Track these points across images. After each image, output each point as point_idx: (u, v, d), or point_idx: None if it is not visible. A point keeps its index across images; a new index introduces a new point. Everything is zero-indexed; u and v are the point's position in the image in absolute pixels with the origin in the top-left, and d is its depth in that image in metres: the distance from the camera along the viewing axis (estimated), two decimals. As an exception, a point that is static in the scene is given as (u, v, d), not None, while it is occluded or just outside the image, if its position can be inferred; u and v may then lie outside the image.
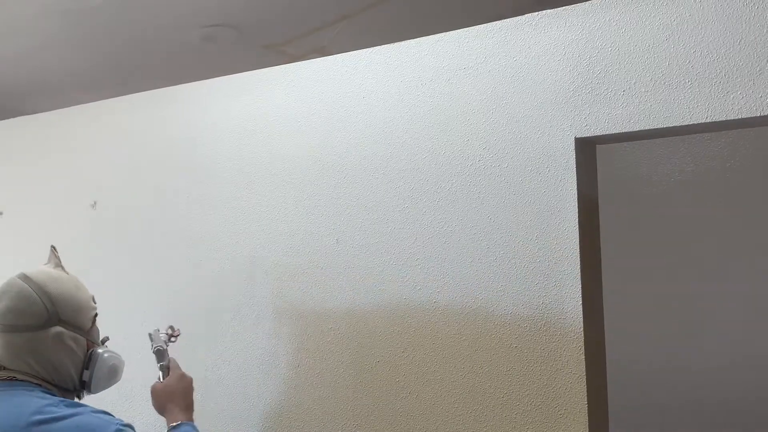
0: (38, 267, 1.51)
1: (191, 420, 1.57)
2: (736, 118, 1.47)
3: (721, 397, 2.67)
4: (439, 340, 1.75)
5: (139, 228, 2.34)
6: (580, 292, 1.59)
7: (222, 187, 2.16)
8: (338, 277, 1.92)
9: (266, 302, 2.04)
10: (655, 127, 1.54)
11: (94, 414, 1.30)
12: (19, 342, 1.37)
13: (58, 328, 1.40)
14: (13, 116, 2.78)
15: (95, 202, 2.44)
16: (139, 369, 2.02)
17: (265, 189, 2.07)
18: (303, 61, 2.06)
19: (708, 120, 1.50)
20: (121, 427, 1.28)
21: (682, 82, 1.52)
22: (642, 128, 1.56)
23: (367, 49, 1.94)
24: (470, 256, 1.73)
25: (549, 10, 1.68)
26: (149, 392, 1.65)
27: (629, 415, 2.63)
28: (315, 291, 1.96)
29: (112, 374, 1.51)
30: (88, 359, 1.46)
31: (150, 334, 1.79)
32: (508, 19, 1.73)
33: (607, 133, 1.59)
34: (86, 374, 1.45)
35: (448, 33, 1.82)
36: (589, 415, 1.57)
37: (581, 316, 1.58)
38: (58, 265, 1.54)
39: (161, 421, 2.21)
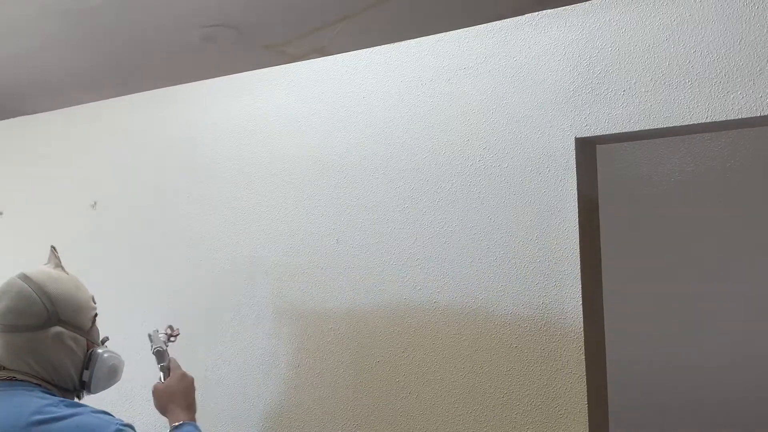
0: (38, 267, 1.51)
1: (193, 420, 1.57)
2: (737, 118, 1.47)
3: (721, 397, 2.67)
4: (439, 340, 1.75)
5: (139, 228, 2.34)
6: (580, 292, 1.59)
7: (222, 187, 2.16)
8: (338, 277, 1.92)
9: (266, 302, 2.04)
10: (656, 127, 1.54)
11: (93, 414, 1.30)
12: (19, 342, 1.37)
13: (58, 328, 1.40)
14: (13, 116, 2.78)
15: (95, 202, 2.44)
16: (139, 369, 2.02)
17: (265, 189, 2.07)
18: (303, 61, 2.06)
19: (708, 120, 1.50)
20: (121, 427, 1.28)
21: (682, 82, 1.52)
22: (642, 128, 1.56)
23: (367, 49, 1.94)
24: (470, 256, 1.73)
25: (549, 10, 1.68)
26: (150, 392, 1.65)
27: (629, 415, 2.63)
28: (315, 291, 1.95)
29: (112, 374, 1.51)
30: (88, 359, 1.46)
31: (149, 335, 1.79)
32: (508, 19, 1.73)
33: (608, 133, 1.59)
34: (86, 374, 1.45)
35: (448, 33, 1.82)
36: (589, 415, 1.57)
37: (581, 316, 1.58)
38: (58, 265, 1.54)
39: (161, 421, 2.21)
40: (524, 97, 1.69)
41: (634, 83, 1.57)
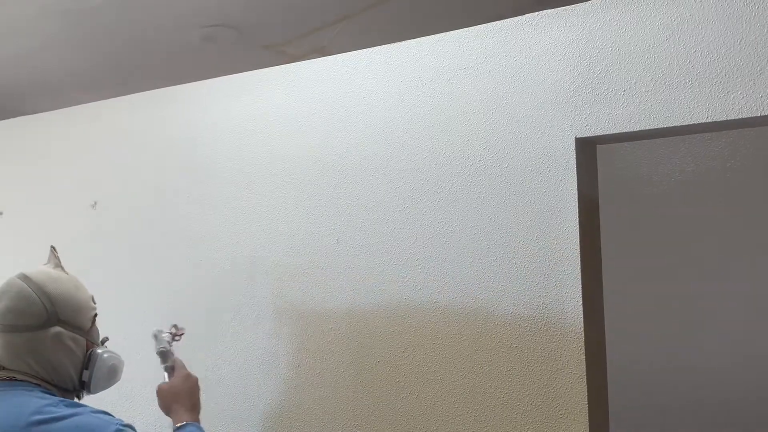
0: (38, 267, 1.51)
1: (197, 420, 1.56)
2: (737, 117, 1.47)
3: (721, 397, 2.67)
4: (439, 340, 1.75)
5: (139, 228, 2.33)
6: (580, 292, 1.59)
7: (222, 187, 2.16)
8: (339, 277, 1.92)
9: (266, 302, 2.04)
10: (656, 127, 1.54)
11: (93, 414, 1.30)
12: (18, 342, 1.37)
13: (58, 328, 1.39)
14: (13, 116, 2.78)
15: (95, 202, 2.44)
16: (139, 369, 2.02)
17: (265, 189, 2.07)
18: (303, 61, 2.06)
19: (708, 120, 1.50)
20: (121, 428, 1.28)
21: (683, 82, 1.52)
22: (642, 128, 1.56)
23: (367, 49, 1.93)
24: (470, 256, 1.72)
25: (549, 10, 1.68)
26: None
27: (629, 415, 2.63)
28: (315, 291, 1.95)
29: (112, 374, 1.51)
30: (88, 359, 1.46)
31: (154, 335, 1.78)
32: (508, 19, 1.73)
33: (608, 133, 1.59)
34: (86, 374, 1.45)
35: (448, 33, 1.81)
36: (589, 415, 1.56)
37: (581, 316, 1.58)
38: (58, 265, 1.54)
39: (161, 421, 2.21)
40: (524, 97, 1.69)
41: (635, 83, 1.57)
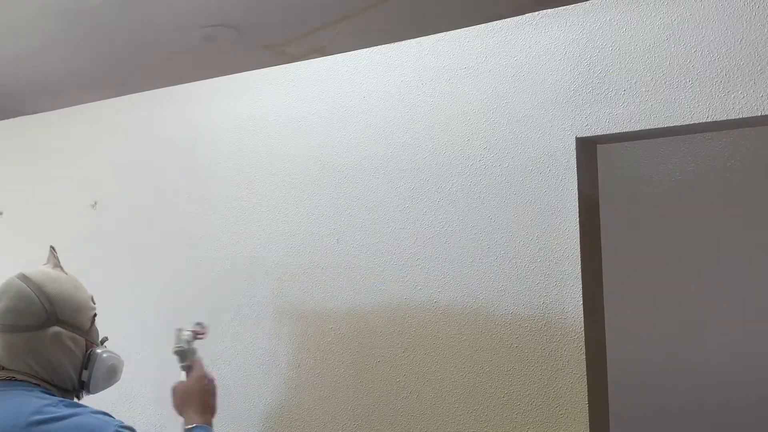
0: (37, 267, 1.50)
1: (208, 423, 1.54)
2: (737, 117, 1.47)
3: (721, 396, 2.67)
4: (439, 340, 1.75)
5: (139, 228, 2.33)
6: (580, 292, 1.58)
7: (222, 187, 2.16)
8: (339, 277, 1.92)
9: (266, 302, 2.03)
10: (656, 126, 1.54)
11: (93, 414, 1.29)
12: (18, 342, 1.37)
13: (57, 328, 1.39)
14: (13, 116, 2.78)
15: (95, 202, 2.44)
16: (139, 369, 2.02)
17: (265, 189, 2.07)
18: (303, 61, 2.06)
19: (709, 119, 1.49)
20: (120, 429, 1.27)
21: (683, 81, 1.52)
22: (643, 128, 1.56)
23: (367, 49, 1.93)
24: (471, 256, 1.72)
25: (549, 10, 1.68)
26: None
27: (629, 415, 2.63)
28: (315, 291, 1.95)
29: (111, 374, 1.51)
30: (87, 359, 1.45)
31: (175, 333, 1.74)
32: (508, 19, 1.73)
33: (608, 132, 1.59)
34: (85, 374, 1.45)
35: (448, 33, 1.81)
36: (589, 415, 1.56)
37: (582, 315, 1.58)
38: (57, 265, 1.54)
39: (162, 421, 2.21)
40: (525, 96, 1.69)
41: (635, 83, 1.57)
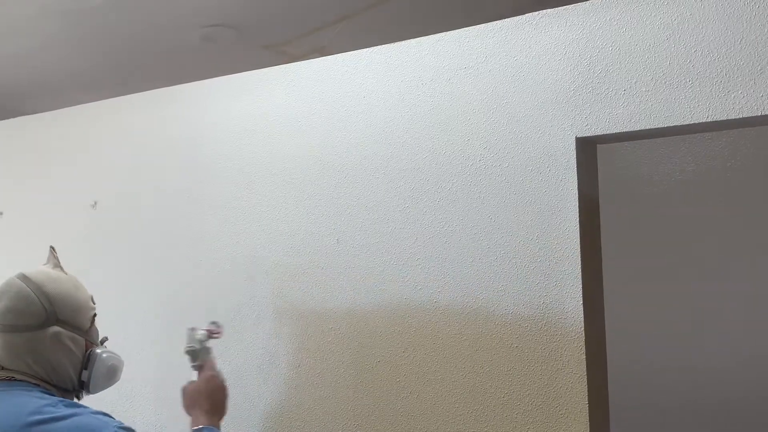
0: (37, 267, 1.50)
1: (215, 424, 1.52)
2: (737, 117, 1.47)
3: (722, 396, 2.67)
4: (439, 340, 1.75)
5: (139, 228, 2.33)
6: (580, 292, 1.58)
7: (222, 187, 2.16)
8: (339, 277, 1.92)
9: (267, 302, 2.03)
10: (656, 126, 1.54)
11: (93, 415, 1.29)
12: (17, 342, 1.37)
13: (56, 328, 1.39)
14: (13, 116, 2.78)
15: (95, 202, 2.44)
16: (139, 369, 2.02)
17: (265, 189, 2.07)
18: (303, 61, 2.06)
19: (709, 119, 1.49)
20: (120, 429, 1.27)
21: (683, 81, 1.52)
22: (643, 128, 1.55)
23: (367, 49, 1.93)
24: (471, 255, 1.72)
25: (549, 10, 1.68)
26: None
27: (629, 415, 2.63)
28: (315, 291, 1.95)
29: (111, 374, 1.51)
30: (87, 359, 1.45)
31: (188, 333, 1.70)
32: (508, 19, 1.73)
33: (608, 132, 1.59)
34: (85, 374, 1.45)
35: (448, 33, 1.81)
36: (589, 415, 1.56)
37: (582, 315, 1.58)
38: (57, 265, 1.54)
39: (162, 421, 2.21)
40: (525, 96, 1.69)
41: (635, 83, 1.57)
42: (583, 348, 1.57)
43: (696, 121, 1.50)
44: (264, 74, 2.12)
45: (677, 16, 1.54)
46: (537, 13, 1.70)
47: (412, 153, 1.83)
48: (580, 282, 1.59)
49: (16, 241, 2.62)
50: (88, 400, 1.45)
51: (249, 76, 2.15)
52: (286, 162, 2.04)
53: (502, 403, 1.66)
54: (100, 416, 1.30)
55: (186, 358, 1.67)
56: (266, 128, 2.08)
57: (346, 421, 1.87)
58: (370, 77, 1.91)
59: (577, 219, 1.60)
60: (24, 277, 1.42)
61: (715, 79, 1.49)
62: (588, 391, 1.57)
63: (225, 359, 2.08)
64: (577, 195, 1.61)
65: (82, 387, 1.47)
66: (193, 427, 1.51)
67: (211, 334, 1.73)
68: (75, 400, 1.44)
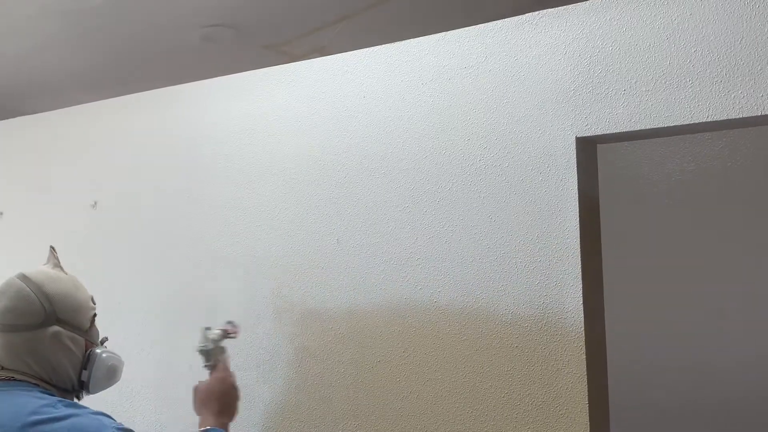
0: (37, 267, 1.50)
1: (223, 426, 1.50)
2: (738, 117, 1.47)
3: (722, 396, 2.67)
4: (439, 340, 1.75)
5: (139, 228, 2.33)
6: (581, 292, 1.58)
7: (222, 187, 2.16)
8: (339, 276, 1.92)
9: (266, 302, 2.03)
10: (656, 126, 1.54)
11: (91, 415, 1.29)
12: (17, 341, 1.37)
13: (56, 328, 1.39)
14: (13, 116, 2.78)
15: (95, 202, 2.44)
16: (139, 369, 2.02)
17: (265, 189, 2.07)
18: (303, 61, 2.06)
19: (709, 119, 1.49)
20: (118, 431, 1.27)
21: (683, 81, 1.52)
22: (643, 127, 1.55)
23: (367, 49, 1.93)
24: (471, 255, 1.72)
25: (549, 10, 1.68)
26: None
27: (629, 415, 2.63)
28: (315, 291, 1.95)
29: (111, 374, 1.50)
30: (87, 359, 1.45)
31: (202, 332, 1.68)
32: (508, 19, 1.73)
33: (608, 132, 1.59)
34: (85, 374, 1.44)
35: (448, 32, 1.81)
36: (589, 415, 1.56)
37: (582, 315, 1.58)
38: (57, 265, 1.53)
39: (161, 421, 2.21)
40: (525, 96, 1.69)
41: (635, 82, 1.57)
42: (583, 348, 1.57)
43: (696, 121, 1.50)
44: (264, 74, 2.12)
45: (677, 16, 1.54)
46: (537, 13, 1.70)
47: (412, 153, 1.83)
48: (580, 282, 1.59)
49: (16, 241, 2.62)
50: (88, 401, 1.45)
51: (249, 76, 2.15)
52: (286, 162, 2.03)
53: (502, 403, 1.66)
54: (100, 417, 1.29)
55: (198, 357, 1.66)
56: (266, 128, 2.08)
57: (345, 421, 1.87)
58: (370, 77, 1.91)
59: (577, 219, 1.60)
60: (24, 277, 1.42)
61: (715, 79, 1.49)
62: (588, 391, 1.57)
63: (225, 359, 2.08)
64: (577, 195, 1.61)
65: (82, 387, 1.46)
66: (200, 427, 1.49)
67: (226, 334, 1.70)
68: (75, 400, 1.44)
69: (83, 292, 1.50)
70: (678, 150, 2.83)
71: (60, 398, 1.35)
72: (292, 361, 1.97)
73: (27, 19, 2.70)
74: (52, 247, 1.59)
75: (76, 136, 2.54)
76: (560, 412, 1.59)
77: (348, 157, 1.93)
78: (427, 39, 1.84)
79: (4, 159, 2.75)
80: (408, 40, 1.87)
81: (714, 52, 1.50)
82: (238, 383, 1.63)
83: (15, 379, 1.35)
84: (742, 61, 1.47)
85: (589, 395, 1.57)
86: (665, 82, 1.54)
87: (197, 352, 1.66)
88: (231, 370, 1.65)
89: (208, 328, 1.68)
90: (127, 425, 1.31)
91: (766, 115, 1.45)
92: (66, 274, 1.51)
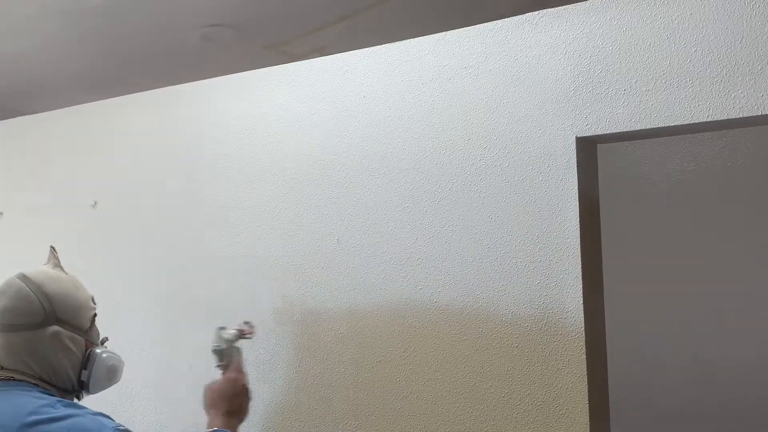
0: (37, 267, 1.50)
1: (231, 427, 1.49)
2: (738, 116, 1.47)
3: (722, 397, 2.67)
4: (439, 340, 1.75)
5: (139, 228, 2.33)
6: (581, 292, 1.58)
7: (222, 187, 2.16)
8: (339, 276, 1.91)
9: (267, 302, 2.03)
10: (656, 126, 1.54)
11: (91, 416, 1.29)
12: (17, 341, 1.37)
13: (56, 328, 1.39)
14: (13, 116, 2.78)
15: (95, 202, 2.44)
16: (139, 369, 2.02)
17: (265, 189, 2.07)
18: (303, 61, 2.06)
19: (709, 119, 1.49)
20: (117, 431, 1.26)
21: (683, 81, 1.52)
22: (643, 127, 1.55)
23: (367, 49, 1.93)
24: (471, 255, 1.72)
25: (549, 9, 1.68)
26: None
27: (629, 415, 2.63)
28: (315, 291, 1.95)
29: (111, 375, 1.50)
30: (87, 359, 1.45)
31: (216, 332, 1.65)
32: (508, 19, 1.73)
33: (608, 132, 1.59)
34: (84, 374, 1.44)
35: (448, 32, 1.81)
36: (589, 415, 1.56)
37: (582, 315, 1.58)
38: (57, 265, 1.53)
39: (161, 421, 2.21)
40: (525, 96, 1.69)
41: (635, 82, 1.57)
42: (583, 348, 1.57)
43: (696, 121, 1.50)
44: (264, 74, 2.12)
45: (677, 16, 1.54)
46: (537, 12, 1.70)
47: (412, 153, 1.83)
48: (581, 282, 1.59)
49: (16, 241, 2.62)
50: (88, 401, 1.45)
51: (249, 76, 2.15)
52: (286, 162, 2.03)
53: (503, 403, 1.66)
54: (99, 417, 1.29)
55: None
56: (266, 128, 2.08)
57: (345, 421, 1.87)
58: (370, 77, 1.91)
59: (577, 219, 1.60)
60: (24, 277, 1.42)
61: (716, 79, 1.49)
62: (588, 391, 1.57)
63: (225, 359, 2.08)
64: (577, 195, 1.61)
65: (82, 387, 1.46)
66: (208, 428, 1.48)
67: (242, 335, 1.67)
68: (75, 400, 1.44)
69: (83, 292, 1.50)
70: (678, 150, 2.83)
71: (59, 398, 1.34)
72: (292, 361, 1.97)
73: (27, 19, 2.70)
74: (52, 247, 1.59)
75: (76, 136, 2.54)
76: (560, 412, 1.59)
77: (348, 157, 1.93)
78: (427, 39, 1.84)
79: (4, 159, 2.75)
80: (408, 40, 1.87)
81: (714, 52, 1.50)
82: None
83: (14, 379, 1.35)
84: (742, 61, 1.47)
85: (589, 395, 1.57)
86: (665, 82, 1.54)
87: (211, 352, 1.63)
88: (244, 370, 1.62)
89: (222, 328, 1.65)
90: (127, 425, 1.31)
91: (766, 115, 1.45)
92: (66, 274, 1.51)
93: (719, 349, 2.70)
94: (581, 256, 1.59)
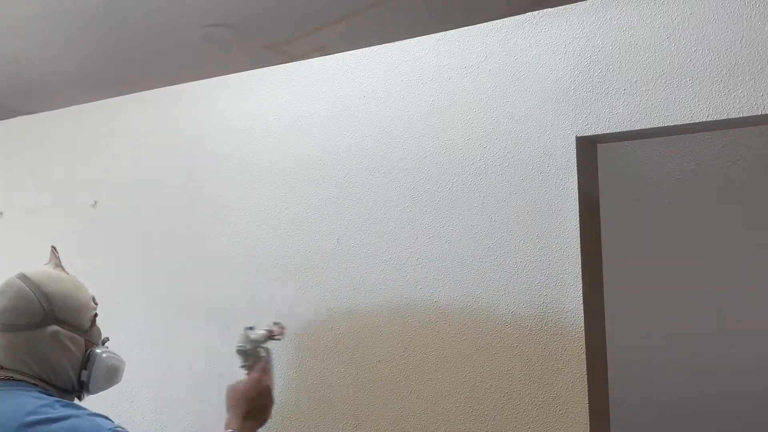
0: (38, 267, 1.50)
1: (245, 430, 1.46)
2: (738, 116, 1.47)
3: (722, 397, 2.67)
4: (439, 340, 1.75)
5: (139, 228, 2.33)
6: (581, 292, 1.58)
7: (222, 187, 2.16)
8: (339, 276, 1.91)
9: (266, 302, 2.03)
10: (656, 125, 1.54)
11: (89, 417, 1.28)
12: (17, 341, 1.37)
13: (55, 327, 1.39)
14: (13, 116, 2.78)
15: (95, 202, 2.44)
16: (139, 369, 2.02)
17: (265, 189, 2.07)
18: (303, 61, 2.06)
19: (709, 119, 1.49)
20: (116, 433, 1.26)
21: (683, 80, 1.52)
22: (643, 127, 1.55)
23: (367, 48, 1.93)
24: (471, 255, 1.72)
25: (549, 9, 1.68)
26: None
27: (629, 415, 2.63)
28: (315, 290, 1.95)
29: (112, 375, 1.50)
30: (87, 359, 1.45)
31: (243, 332, 1.59)
32: (508, 18, 1.73)
33: (608, 132, 1.59)
34: (84, 374, 1.44)
35: (448, 32, 1.81)
36: (589, 415, 1.56)
37: (582, 315, 1.58)
38: (58, 265, 1.53)
39: (161, 421, 2.21)
40: (525, 95, 1.69)
41: (635, 82, 1.57)
42: (584, 348, 1.57)
43: (696, 121, 1.50)
44: (264, 74, 2.12)
45: (677, 15, 1.54)
46: (537, 12, 1.70)
47: (412, 152, 1.83)
48: (581, 281, 1.59)
49: (16, 241, 2.62)
50: (88, 401, 1.45)
51: (249, 76, 2.15)
52: (286, 162, 2.03)
53: (503, 403, 1.66)
54: (97, 419, 1.29)
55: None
56: (266, 128, 2.08)
57: (345, 421, 1.87)
58: (370, 77, 1.91)
59: (577, 219, 1.60)
60: (24, 277, 1.42)
61: (715, 79, 1.49)
62: (588, 391, 1.56)
63: (225, 359, 2.08)
64: (577, 195, 1.61)
65: (81, 387, 1.46)
66: (226, 429, 1.46)
67: (271, 336, 1.62)
68: (75, 400, 1.44)
69: (84, 292, 1.50)
70: (678, 150, 2.83)
71: (58, 398, 1.34)
72: (292, 361, 1.97)
73: (27, 19, 2.70)
74: (53, 247, 1.58)
75: (76, 136, 2.54)
76: (560, 412, 1.59)
77: (348, 156, 1.93)
78: (427, 39, 1.84)
79: (4, 159, 2.75)
80: (408, 40, 1.87)
81: (714, 52, 1.50)
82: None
83: (14, 379, 1.35)
84: (742, 60, 1.47)
85: (589, 395, 1.57)
86: (665, 82, 1.54)
87: (235, 352, 1.59)
88: (271, 372, 1.58)
89: (250, 328, 1.60)
90: (127, 425, 1.31)
91: (766, 115, 1.45)
92: (67, 273, 1.51)
93: (719, 349, 2.70)
94: (581, 256, 1.59)
